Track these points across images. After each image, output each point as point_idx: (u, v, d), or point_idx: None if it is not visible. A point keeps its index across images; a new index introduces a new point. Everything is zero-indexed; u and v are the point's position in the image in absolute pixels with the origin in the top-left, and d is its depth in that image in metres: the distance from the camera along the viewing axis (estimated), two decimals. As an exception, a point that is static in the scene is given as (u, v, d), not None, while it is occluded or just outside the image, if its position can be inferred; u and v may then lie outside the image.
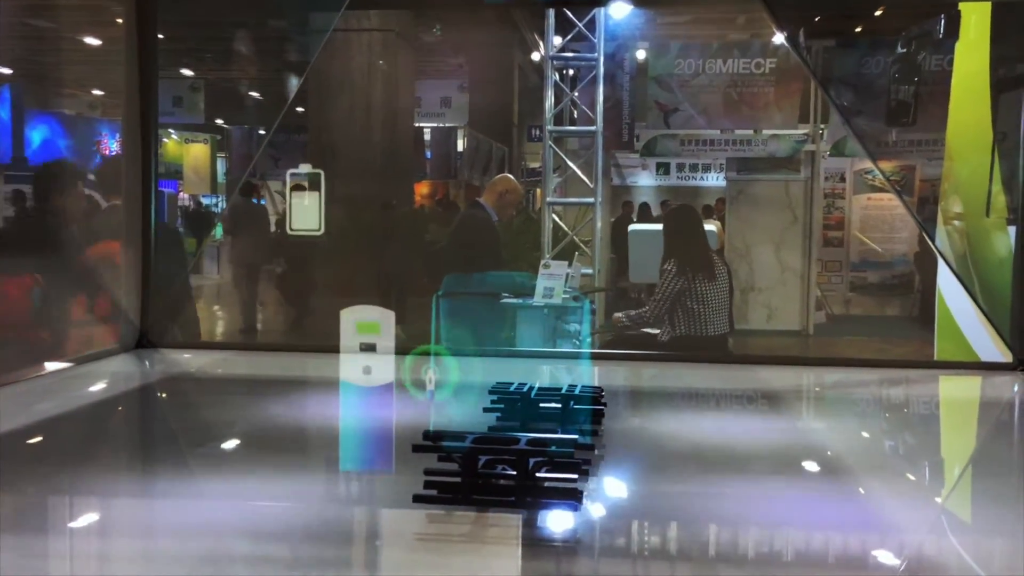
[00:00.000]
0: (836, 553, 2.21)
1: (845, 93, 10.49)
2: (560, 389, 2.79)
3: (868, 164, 12.03)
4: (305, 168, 4.82)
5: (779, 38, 11.33)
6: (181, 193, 16.76)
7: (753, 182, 11.32)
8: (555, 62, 8.68)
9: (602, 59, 8.53)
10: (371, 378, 3.81)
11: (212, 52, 15.35)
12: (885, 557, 2.20)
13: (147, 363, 4.37)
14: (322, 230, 4.82)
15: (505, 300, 6.51)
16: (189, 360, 4.64)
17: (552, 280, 6.46)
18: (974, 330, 6.60)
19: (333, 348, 3.80)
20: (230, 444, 3.12)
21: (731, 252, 10.90)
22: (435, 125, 16.06)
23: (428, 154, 15.96)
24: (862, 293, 12.61)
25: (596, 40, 8.49)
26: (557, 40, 8.77)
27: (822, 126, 11.28)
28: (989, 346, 6.31)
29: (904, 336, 10.31)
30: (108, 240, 4.71)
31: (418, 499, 2.18)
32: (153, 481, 2.68)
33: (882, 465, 3.05)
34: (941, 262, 7.12)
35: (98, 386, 4.14)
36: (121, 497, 2.55)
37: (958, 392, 4.50)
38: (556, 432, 2.52)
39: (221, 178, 16.76)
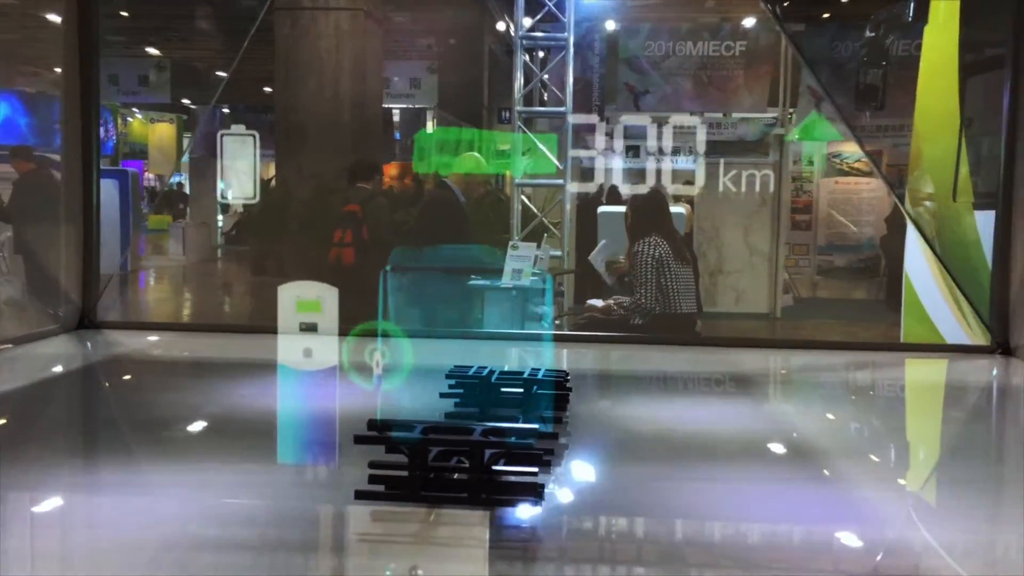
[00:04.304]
0: (814, 542, 2.17)
1: (817, 76, 10.51)
2: (522, 373, 2.62)
3: (836, 148, 12.09)
4: (239, 128, 4.72)
5: (749, 21, 11.34)
6: (147, 172, 16.52)
7: (722, 165, 11.32)
8: (524, 42, 8.61)
9: (572, 40, 8.46)
10: (313, 360, 3.72)
11: (178, 31, 15.11)
12: (853, 542, 2.17)
13: (88, 344, 4.25)
14: (257, 198, 4.70)
15: (473, 282, 6.47)
16: (132, 341, 4.52)
17: (520, 261, 6.42)
18: (940, 313, 6.64)
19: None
20: (162, 431, 2.95)
21: (700, 235, 10.91)
22: (404, 106, 15.93)
23: (397, 135, 15.83)
24: (829, 276, 12.69)
25: (566, 20, 8.42)
26: (527, 21, 8.69)
27: (791, 110, 11.30)
28: (955, 329, 6.36)
29: (870, 319, 10.38)
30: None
31: (361, 495, 2.02)
32: (84, 470, 2.54)
33: (872, 449, 3.03)
34: (908, 245, 7.16)
35: (34, 369, 3.99)
36: (49, 488, 2.41)
37: (942, 376, 4.50)
38: (516, 419, 2.36)
39: (187, 157, 16.55)
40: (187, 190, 17.08)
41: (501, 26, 14.42)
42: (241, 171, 4.59)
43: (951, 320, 6.52)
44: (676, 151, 14.35)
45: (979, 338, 6.25)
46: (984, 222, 6.47)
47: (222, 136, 4.58)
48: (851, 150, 12.05)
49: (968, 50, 7.07)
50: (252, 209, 12.57)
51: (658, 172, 14.24)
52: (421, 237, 6.88)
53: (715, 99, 10.83)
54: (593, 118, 10.21)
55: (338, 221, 9.04)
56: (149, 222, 11.04)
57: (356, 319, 7.69)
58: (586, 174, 11.62)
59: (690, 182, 12.12)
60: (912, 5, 7.45)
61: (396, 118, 15.93)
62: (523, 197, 8.35)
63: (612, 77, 10.55)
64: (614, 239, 6.89)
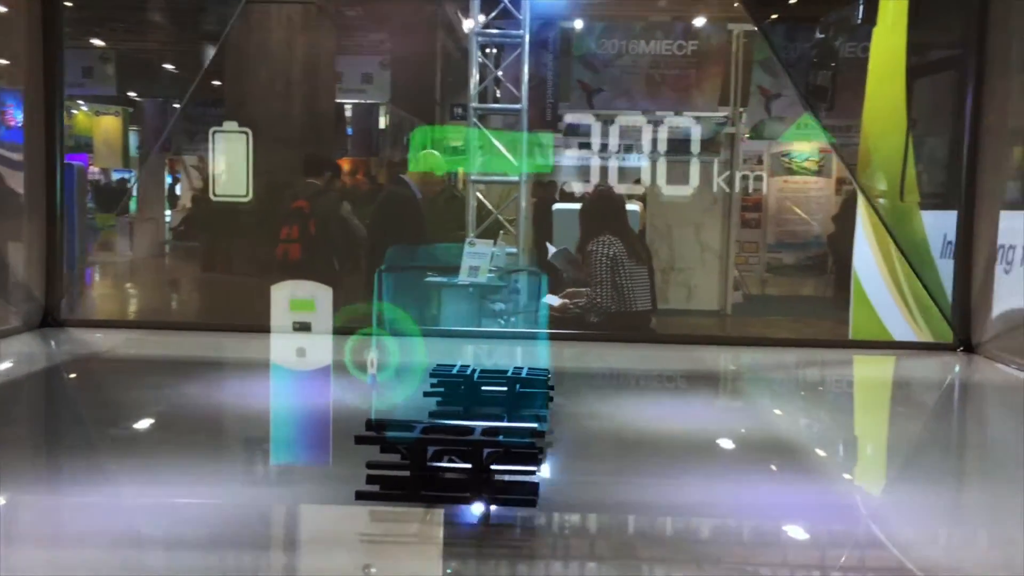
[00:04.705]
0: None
1: (765, 76, 10.65)
2: (506, 372, 2.62)
3: (785, 147, 12.25)
4: (231, 125, 4.66)
5: (701, 21, 11.44)
6: (91, 167, 16.19)
7: (674, 163, 11.41)
8: (480, 39, 8.59)
9: (528, 37, 8.46)
10: (302, 360, 3.68)
11: (124, 22, 14.83)
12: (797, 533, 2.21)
13: (52, 343, 4.17)
14: (250, 195, 4.65)
15: (430, 279, 6.46)
16: (98, 340, 4.44)
17: (477, 258, 6.42)
18: (887, 309, 6.78)
19: (250, 327, 3.68)
20: (142, 436, 2.91)
21: (652, 232, 11.00)
22: (356, 101, 15.80)
23: (349, 130, 15.70)
24: (778, 274, 12.86)
25: (522, 17, 8.42)
26: (483, 18, 8.67)
27: (741, 109, 11.43)
28: (903, 325, 6.49)
29: (819, 315, 10.54)
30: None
31: (361, 496, 2.01)
32: (53, 481, 2.47)
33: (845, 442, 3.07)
34: (857, 244, 7.29)
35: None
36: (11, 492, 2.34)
37: (912, 373, 4.59)
38: (503, 418, 2.36)
39: (134, 151, 16.23)
40: (133, 185, 16.79)
41: (454, 22, 14.38)
42: (233, 168, 4.52)
43: (898, 316, 6.66)
44: (628, 149, 14.48)
45: (926, 335, 6.39)
46: (931, 221, 6.62)
47: (214, 133, 4.51)
48: (799, 149, 12.22)
49: (915, 52, 7.22)
50: (200, 204, 12.41)
51: (605, 169, 14.32)
52: (377, 229, 6.85)
53: (667, 97, 10.91)
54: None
55: (285, 217, 8.96)
56: (97, 219, 10.81)
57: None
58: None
59: (640, 181, 12.23)
60: (861, 7, 7.58)
61: (348, 113, 15.79)
62: (478, 194, 8.33)
63: (566, 75, 10.59)
64: (568, 237, 6.92)
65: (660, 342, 5.41)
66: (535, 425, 2.04)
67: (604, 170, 15.03)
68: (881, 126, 7.20)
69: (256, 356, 3.86)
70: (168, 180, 14.08)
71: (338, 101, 14.62)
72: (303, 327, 3.58)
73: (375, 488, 2.01)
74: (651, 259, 6.48)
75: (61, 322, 4.32)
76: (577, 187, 14.79)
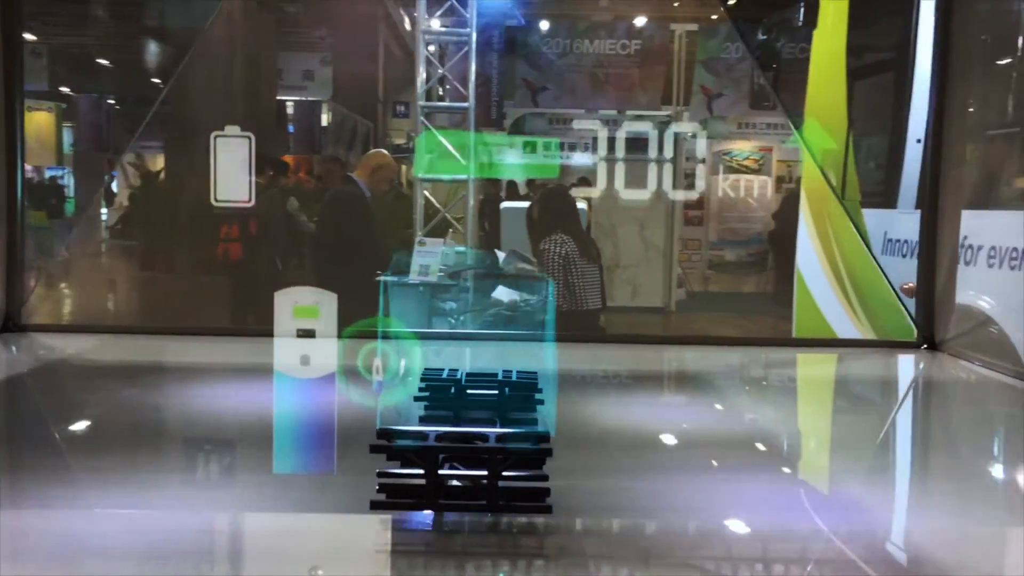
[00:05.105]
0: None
1: (707, 76, 10.79)
2: (495, 375, 2.59)
3: (727, 146, 12.42)
4: (232, 130, 4.56)
5: (644, 20, 11.55)
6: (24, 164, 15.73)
7: (627, 164, 11.51)
8: (426, 36, 8.55)
9: (475, 35, 8.45)
10: (303, 366, 3.62)
11: (57, 15, 14.46)
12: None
13: (13, 348, 4.06)
14: (252, 202, 4.54)
15: (380, 277, 6.42)
16: (62, 345, 4.32)
17: (428, 257, 6.40)
18: (830, 307, 6.92)
19: (217, 331, 3.63)
20: (115, 453, 2.82)
21: (597, 230, 11.08)
22: (297, 99, 15.62)
23: (291, 128, 15.52)
24: (720, 271, 13.04)
25: (468, 15, 8.40)
26: (428, 15, 8.62)
27: (684, 108, 11.57)
28: (845, 322, 6.63)
29: (761, 312, 10.73)
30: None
31: (376, 506, 1.98)
32: (25, 496, 2.40)
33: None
34: (800, 242, 7.42)
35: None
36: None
37: (881, 371, 4.67)
38: (496, 423, 2.31)
39: (68, 149, 15.84)
40: (67, 183, 16.39)
41: (396, 19, 14.30)
42: (235, 173, 4.42)
43: (841, 314, 6.80)
44: (572, 147, 14.56)
45: (868, 332, 6.53)
46: (871, 220, 6.78)
47: (215, 138, 4.41)
48: (740, 148, 12.40)
49: (855, 54, 7.38)
50: (138, 203, 12.17)
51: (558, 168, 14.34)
52: (325, 229, 6.79)
53: (611, 96, 11.01)
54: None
55: (226, 216, 8.83)
56: (31, 218, 10.53)
57: (247, 317, 7.54)
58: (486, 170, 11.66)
59: (586, 178, 12.30)
60: (802, 10, 7.73)
61: (290, 110, 15.61)
62: (425, 192, 8.30)
63: (511, 73, 10.61)
64: (515, 236, 6.94)
65: (609, 341, 5.46)
66: (547, 431, 2.02)
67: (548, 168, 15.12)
68: (823, 125, 7.34)
69: (234, 361, 3.80)
70: (106, 178, 13.76)
71: (279, 98, 14.45)
72: (307, 334, 3.53)
73: (390, 497, 2.01)
74: (600, 258, 6.53)
75: (22, 327, 4.19)
76: (522, 186, 14.83)
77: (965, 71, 4.68)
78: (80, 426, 3.04)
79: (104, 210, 14.14)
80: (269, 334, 4.54)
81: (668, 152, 11.39)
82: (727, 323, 10.38)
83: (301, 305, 3.64)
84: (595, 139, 11.64)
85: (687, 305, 11.78)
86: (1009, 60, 5.25)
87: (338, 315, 6.33)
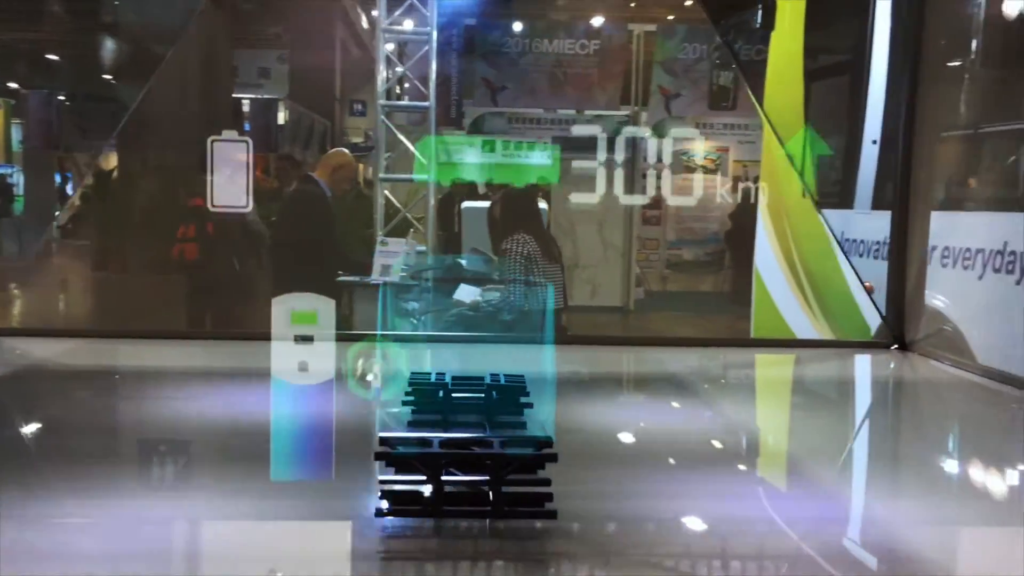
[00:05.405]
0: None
1: (665, 76, 10.86)
2: (482, 379, 2.59)
3: (684, 146, 12.50)
4: (230, 135, 4.48)
5: (598, 20, 11.60)
6: (-31, 162, 15.41)
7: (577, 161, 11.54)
8: (386, 35, 8.51)
9: (435, 33, 8.43)
10: (303, 373, 3.56)
11: (4, 10, 14.16)
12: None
13: None
14: (250, 207, 4.44)
15: (341, 278, 6.38)
16: (28, 349, 4.18)
17: (389, 257, 6.37)
18: (789, 306, 7.00)
19: (173, 335, 3.57)
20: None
21: (556, 229, 11.10)
22: (254, 96, 15.45)
23: (247, 126, 15.34)
24: (677, 270, 13.12)
25: (429, 14, 8.37)
26: (378, 13, 8.57)
27: (643, 108, 11.64)
28: (803, 322, 6.71)
29: (717, 311, 10.82)
30: None
31: (381, 514, 1.96)
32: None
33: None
34: (759, 241, 7.50)
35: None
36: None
37: (856, 371, 4.71)
38: (485, 427, 2.33)
39: (16, 146, 15.51)
40: (16, 181, 16.07)
41: (354, 17, 14.21)
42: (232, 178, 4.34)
43: (799, 314, 6.88)
44: (531, 146, 14.57)
45: (825, 331, 6.61)
46: (832, 220, 6.86)
47: (212, 142, 4.33)
48: (698, 148, 12.49)
49: (812, 57, 7.48)
50: (91, 202, 11.97)
51: (514, 166, 14.40)
52: (285, 228, 6.74)
53: (570, 96, 11.05)
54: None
55: (182, 216, 8.72)
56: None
57: (203, 319, 7.42)
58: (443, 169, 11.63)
59: (545, 177, 12.32)
60: (760, 12, 7.81)
61: (246, 108, 15.43)
62: (385, 192, 8.26)
63: (470, 72, 10.60)
64: (476, 235, 6.93)
65: (570, 342, 5.46)
66: (549, 436, 2.01)
67: (508, 168, 15.13)
68: (780, 126, 7.42)
69: (192, 365, 3.74)
70: (57, 177, 13.52)
71: (235, 96, 14.28)
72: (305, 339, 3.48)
73: (393, 505, 2.01)
74: (562, 257, 6.55)
75: None
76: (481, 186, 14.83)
77: (935, 75, 4.76)
78: (27, 431, 2.97)
79: (56, 211, 13.89)
80: (227, 337, 4.47)
81: (622, 153, 11.47)
82: (685, 322, 10.47)
83: (298, 311, 3.59)
84: (554, 138, 11.70)
85: (645, 304, 11.86)
86: (960, 62, 5.36)
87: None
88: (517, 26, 10.83)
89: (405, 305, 6.49)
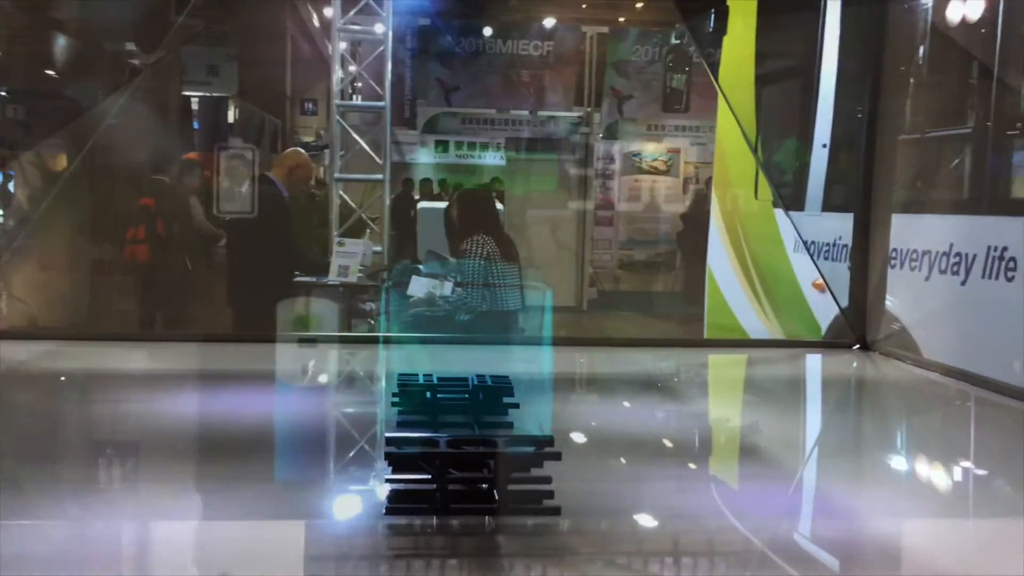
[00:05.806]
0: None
1: (617, 78, 10.97)
2: (467, 380, 2.59)
3: (636, 147, 12.64)
4: (237, 143, 4.43)
5: (550, 21, 11.67)
6: (-92, 160, 14.98)
7: (530, 162, 11.62)
8: (341, 35, 8.49)
9: (391, 33, 8.43)
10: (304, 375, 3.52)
11: (-56, 3, 13.81)
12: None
13: None
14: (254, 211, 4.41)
15: (299, 278, 6.35)
16: (12, 352, 4.07)
17: (347, 258, 6.36)
18: (741, 306, 7.13)
19: (125, 337, 3.52)
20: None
21: (510, 230, 11.13)
22: (202, 94, 15.27)
23: (196, 124, 15.16)
24: (629, 270, 13.24)
25: (384, 14, 8.37)
26: (333, 13, 8.55)
27: (595, 109, 11.73)
28: (755, 322, 6.84)
29: (669, 311, 10.94)
30: None
31: (391, 511, 2.00)
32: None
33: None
34: (711, 242, 7.62)
35: None
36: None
37: (804, 370, 4.79)
38: (473, 428, 2.34)
39: (-43, 144, 15.17)
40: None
41: (305, 15, 14.12)
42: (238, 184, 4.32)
43: (751, 313, 7.01)
44: (484, 147, 14.61)
45: (776, 330, 6.72)
46: (783, 220, 6.99)
47: (219, 150, 4.30)
48: (649, 150, 12.63)
49: (762, 60, 7.60)
50: (38, 204, 11.74)
51: (466, 167, 14.41)
52: (240, 229, 6.68)
53: (523, 97, 11.11)
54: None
55: (131, 216, 8.60)
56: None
57: (155, 321, 7.31)
58: (399, 169, 11.64)
59: (499, 178, 12.36)
60: (712, 16, 7.92)
61: (195, 106, 15.25)
62: (341, 192, 8.25)
63: (424, 73, 10.60)
64: (432, 236, 6.93)
65: (529, 343, 5.50)
66: (550, 435, 2.05)
67: (460, 168, 15.16)
68: (733, 129, 7.55)
69: (144, 367, 3.68)
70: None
71: (184, 94, 14.11)
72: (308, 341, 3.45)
73: (402, 504, 2.04)
74: (519, 258, 6.57)
75: None
76: (435, 186, 14.80)
77: (897, 79, 4.87)
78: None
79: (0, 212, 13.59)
80: (179, 339, 4.42)
81: (574, 155, 11.59)
82: (636, 322, 10.57)
83: (300, 314, 3.60)
84: (508, 139, 11.76)
85: (598, 304, 11.95)
86: (912, 68, 5.51)
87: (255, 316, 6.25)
88: (471, 27, 10.86)
89: (362, 306, 6.48)
